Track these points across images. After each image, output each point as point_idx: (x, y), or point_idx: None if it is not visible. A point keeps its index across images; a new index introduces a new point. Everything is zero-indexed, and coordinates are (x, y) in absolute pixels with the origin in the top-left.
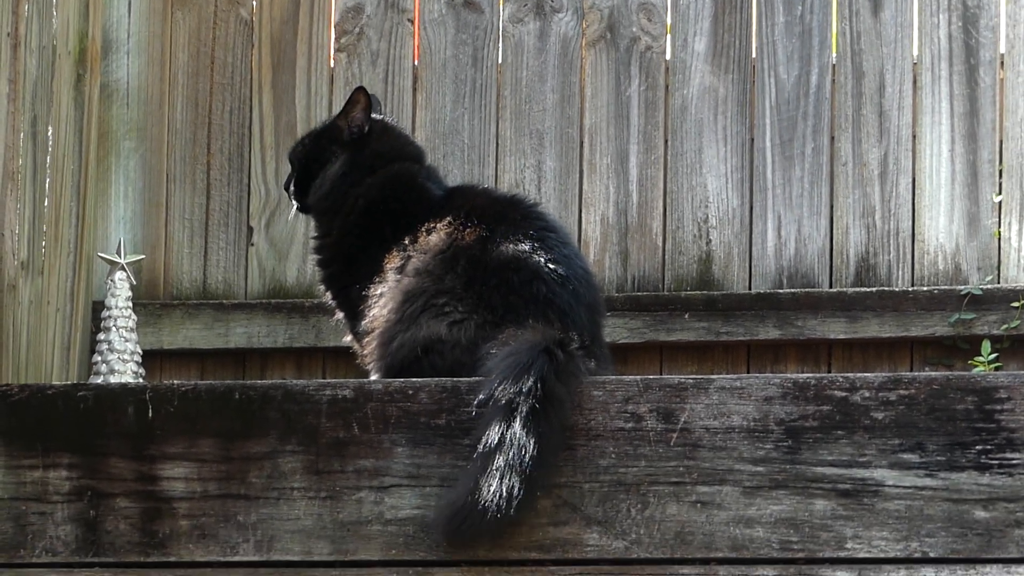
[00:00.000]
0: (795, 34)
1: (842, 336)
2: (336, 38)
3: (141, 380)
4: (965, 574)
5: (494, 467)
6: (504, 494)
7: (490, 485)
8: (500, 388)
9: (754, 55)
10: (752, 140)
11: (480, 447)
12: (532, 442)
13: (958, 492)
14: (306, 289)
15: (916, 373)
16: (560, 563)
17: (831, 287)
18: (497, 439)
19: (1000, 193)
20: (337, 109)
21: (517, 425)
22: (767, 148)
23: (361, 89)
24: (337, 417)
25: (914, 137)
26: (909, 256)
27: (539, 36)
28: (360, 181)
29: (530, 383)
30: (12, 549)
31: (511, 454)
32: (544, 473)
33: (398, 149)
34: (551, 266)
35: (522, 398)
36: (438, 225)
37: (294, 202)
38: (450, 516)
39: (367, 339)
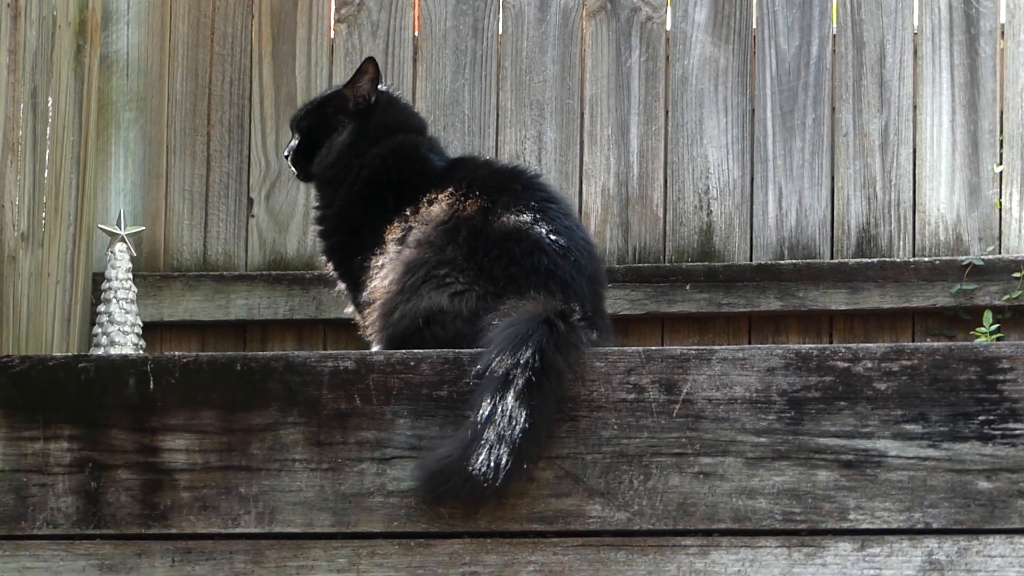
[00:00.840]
0: (795, 4)
1: (843, 307)
2: (336, 9)
3: (141, 352)
4: (968, 544)
5: (484, 438)
6: (492, 465)
7: (479, 455)
8: (497, 359)
9: (755, 26)
10: (753, 111)
11: (473, 418)
12: (525, 414)
13: (961, 463)
14: (306, 261)
15: (918, 344)
16: (562, 534)
17: (832, 258)
18: (489, 411)
19: (1001, 163)
20: (337, 80)
21: (511, 397)
22: (768, 119)
23: (371, 60)
24: (339, 388)
25: (915, 107)
26: (910, 227)
27: (539, 7)
28: (365, 152)
29: (528, 354)
30: (13, 521)
31: (502, 426)
32: (536, 445)
33: (402, 121)
34: (552, 237)
35: (519, 370)
36: (439, 196)
37: (294, 169)
38: (432, 475)
39: (368, 310)
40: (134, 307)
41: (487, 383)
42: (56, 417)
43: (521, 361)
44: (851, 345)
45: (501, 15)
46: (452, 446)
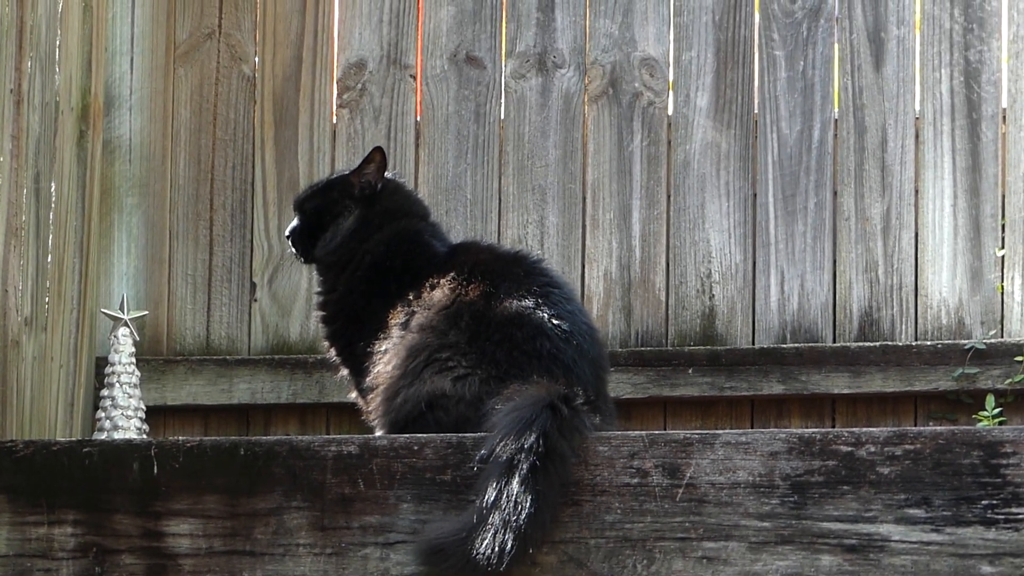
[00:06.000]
0: (797, 89)
1: (846, 391)
2: (338, 94)
3: (145, 436)
4: None
5: (489, 523)
6: (496, 550)
7: (484, 539)
8: (502, 444)
9: (756, 110)
10: (755, 195)
11: (478, 503)
12: (530, 499)
13: (964, 547)
14: (309, 345)
15: (921, 428)
16: None
17: (834, 342)
18: (494, 496)
19: (1003, 247)
20: (340, 165)
21: (516, 482)
22: (770, 203)
23: (379, 149)
24: (343, 473)
25: (916, 192)
26: (912, 310)
27: (541, 92)
28: (368, 237)
29: (532, 439)
30: None
31: (508, 511)
32: (541, 530)
33: (406, 208)
34: (555, 322)
35: (523, 455)
36: (442, 281)
37: (294, 250)
38: (432, 553)
39: (371, 395)
40: (137, 391)
41: (492, 468)
42: (60, 502)
43: (525, 446)
44: (854, 429)
45: (503, 100)
46: (456, 526)
